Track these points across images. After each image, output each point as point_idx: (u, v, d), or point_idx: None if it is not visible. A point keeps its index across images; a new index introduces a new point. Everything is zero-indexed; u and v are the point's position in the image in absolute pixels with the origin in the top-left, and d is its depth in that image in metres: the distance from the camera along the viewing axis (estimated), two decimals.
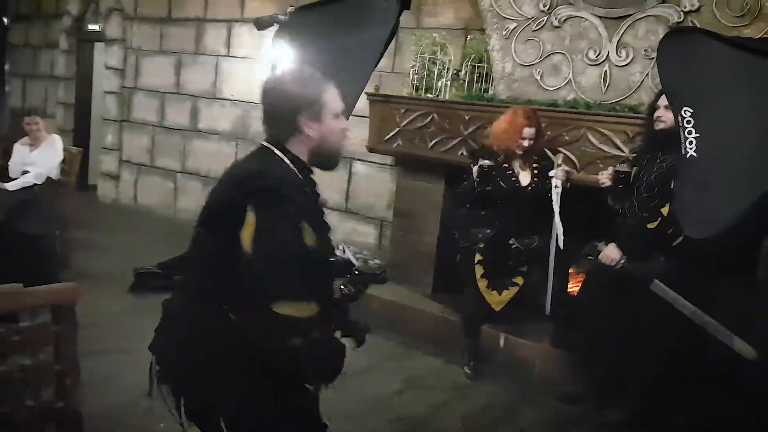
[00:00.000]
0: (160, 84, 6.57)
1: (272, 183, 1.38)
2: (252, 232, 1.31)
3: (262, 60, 5.66)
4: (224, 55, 6.07)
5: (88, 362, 1.65)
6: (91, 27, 7.29)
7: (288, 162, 1.48)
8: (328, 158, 1.57)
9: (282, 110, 1.49)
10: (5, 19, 7.84)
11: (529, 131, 3.25)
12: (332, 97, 1.52)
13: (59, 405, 1.46)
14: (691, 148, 1.99)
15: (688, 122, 1.99)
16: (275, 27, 2.89)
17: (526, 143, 3.27)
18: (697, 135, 1.98)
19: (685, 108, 1.99)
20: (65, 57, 7.44)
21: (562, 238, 3.21)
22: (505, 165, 3.35)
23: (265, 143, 1.52)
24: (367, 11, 2.48)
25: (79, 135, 7.44)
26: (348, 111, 3.20)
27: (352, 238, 5.05)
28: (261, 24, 2.89)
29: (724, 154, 1.94)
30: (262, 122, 1.54)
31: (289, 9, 2.80)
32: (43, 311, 1.47)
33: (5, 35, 7.88)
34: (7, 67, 7.92)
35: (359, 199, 5.14)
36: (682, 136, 2.03)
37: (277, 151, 1.49)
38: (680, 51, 2.08)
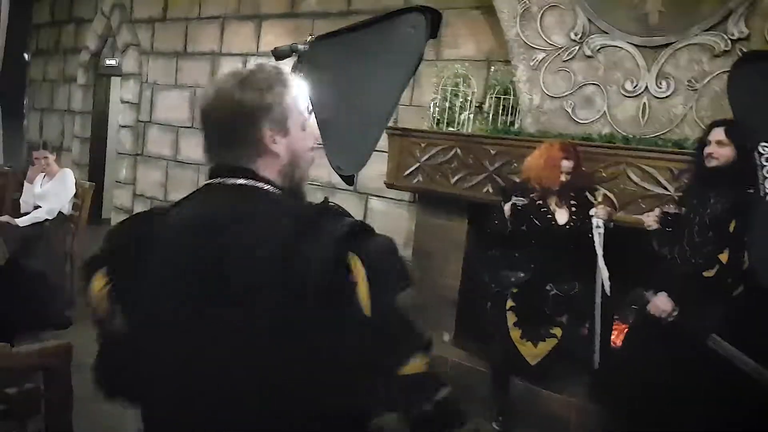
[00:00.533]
0: (175, 118, 6.39)
1: (359, 222, 1.01)
2: (367, 289, 0.93)
3: None
4: None
5: (91, 406, 1.36)
6: (108, 62, 7.19)
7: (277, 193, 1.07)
8: (297, 188, 1.12)
9: (238, 123, 1.06)
10: (26, 55, 7.80)
11: (567, 164, 2.95)
12: (296, 101, 1.09)
13: None
14: None
15: (767, 159, 1.69)
16: (294, 57, 2.63)
17: (563, 177, 2.96)
18: None
19: (763, 144, 1.69)
20: (82, 91, 7.32)
21: (608, 283, 2.87)
22: (540, 202, 3.04)
23: (231, 180, 1.06)
24: (393, 39, 2.23)
25: (94, 169, 7.30)
26: (373, 144, 2.95)
27: None
28: (279, 54, 2.65)
29: None
30: (205, 150, 1.11)
31: (309, 38, 2.55)
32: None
33: (26, 71, 7.83)
34: (26, 101, 7.85)
35: None
36: (760, 176, 1.73)
37: (258, 184, 1.05)
38: (754, 79, 1.79)
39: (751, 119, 1.80)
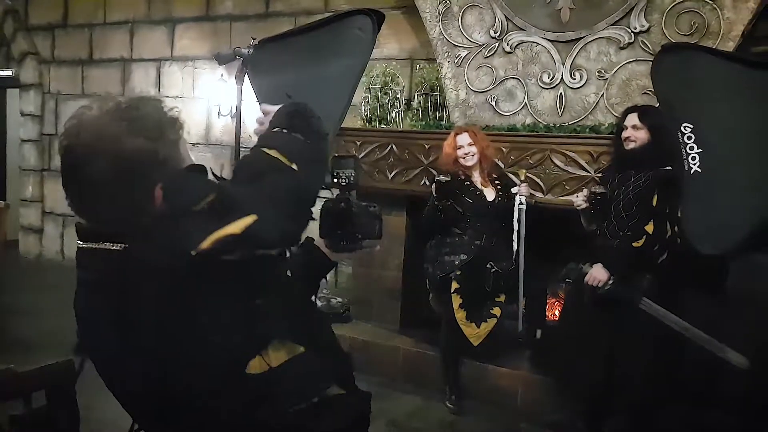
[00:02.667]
0: None
1: None
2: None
3: (199, 99, 5.34)
4: (154, 96, 5.63)
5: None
6: (2, 73, 6.64)
7: None
8: None
9: (124, 189, 0.88)
10: None
11: (462, 138, 3.21)
12: (186, 143, 1.02)
13: None
14: (694, 164, 1.90)
15: (689, 138, 1.90)
16: (237, 61, 2.59)
17: (465, 150, 3.19)
18: (700, 150, 1.89)
19: (684, 124, 1.90)
20: None
21: (523, 254, 3.12)
22: (466, 182, 3.23)
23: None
24: (342, 41, 2.26)
25: None
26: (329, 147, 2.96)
27: None
28: (222, 59, 2.60)
29: (729, 167, 1.86)
30: (74, 207, 0.93)
31: (253, 42, 2.52)
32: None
33: None
34: None
35: (313, 236, 4.83)
36: (684, 153, 1.94)
37: None
38: (675, 67, 2.01)
39: (673, 103, 2.01)
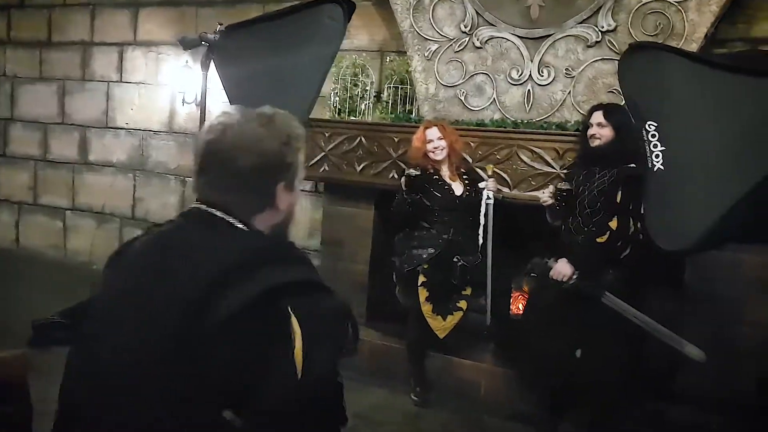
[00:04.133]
0: (42, 114, 5.81)
1: (311, 274, 0.98)
2: (301, 350, 0.88)
3: (162, 84, 5.20)
4: (116, 81, 5.47)
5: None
6: None
7: None
8: (282, 233, 1.10)
9: (258, 174, 1.01)
10: None
11: (432, 132, 3.20)
12: (303, 154, 1.10)
13: None
14: (657, 162, 1.93)
15: (653, 136, 1.93)
16: (202, 47, 2.53)
17: (435, 144, 3.19)
18: (663, 148, 1.92)
19: (649, 122, 1.93)
20: None
21: (490, 248, 3.14)
22: (435, 176, 3.23)
23: (220, 214, 1.01)
24: (312, 30, 2.22)
25: None
26: None
27: None
28: (187, 44, 2.52)
29: (691, 166, 1.89)
30: (208, 182, 1.03)
31: (219, 27, 2.45)
32: None
33: None
34: None
35: None
36: (648, 150, 1.97)
37: (242, 227, 1.01)
38: (641, 66, 2.03)
39: (638, 101, 2.04)
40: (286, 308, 0.89)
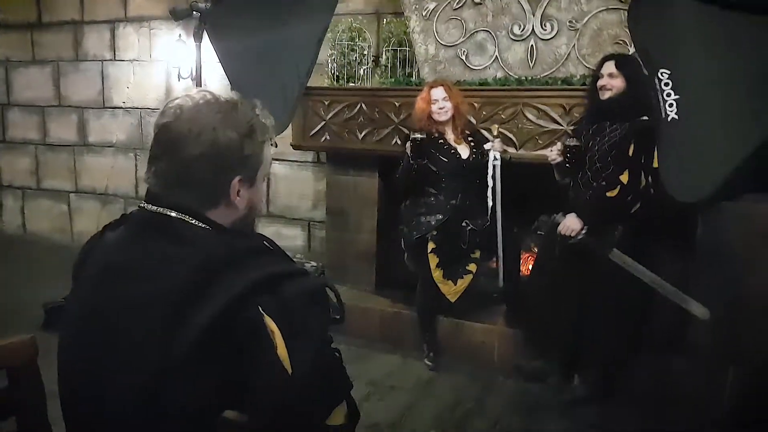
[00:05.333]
0: (38, 97, 5.71)
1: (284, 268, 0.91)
2: (284, 347, 0.85)
3: (157, 61, 5.08)
4: (110, 60, 5.36)
5: None
6: None
7: None
8: (245, 230, 1.03)
9: (208, 166, 0.93)
10: None
11: (437, 92, 3.10)
12: (269, 149, 1.01)
13: None
14: (671, 111, 1.84)
15: (666, 84, 1.84)
16: (194, 18, 2.42)
17: (440, 105, 3.09)
18: (677, 97, 1.83)
19: (662, 70, 1.83)
20: None
21: (500, 210, 3.08)
22: (436, 135, 3.14)
23: (171, 212, 0.93)
24: None
25: None
26: (292, 109, 2.80)
27: (278, 242, 4.62)
28: (178, 14, 2.42)
29: (706, 114, 1.80)
30: (156, 173, 0.95)
31: None
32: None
33: None
34: None
35: (281, 201, 4.72)
36: (661, 99, 1.88)
37: (198, 225, 0.94)
38: (651, 12, 1.92)
39: (650, 49, 1.94)
40: (258, 310, 0.85)
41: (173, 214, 0.93)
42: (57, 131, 5.69)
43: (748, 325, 2.76)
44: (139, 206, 0.97)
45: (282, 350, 0.85)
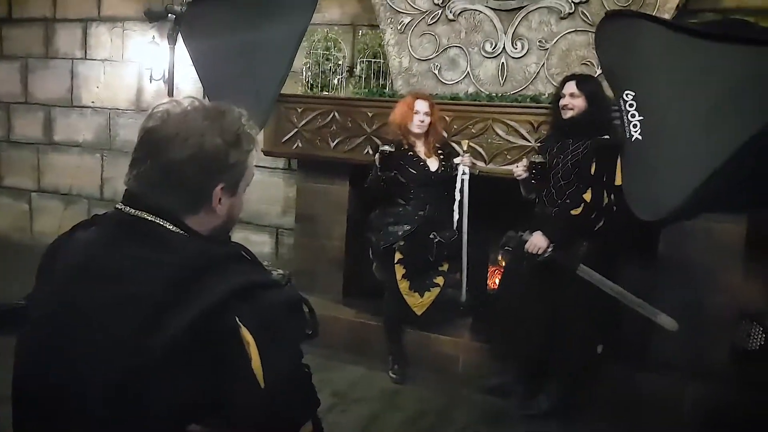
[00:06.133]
0: (4, 93, 5.55)
1: (258, 278, 0.90)
2: (259, 360, 0.83)
3: (130, 62, 5.00)
4: (80, 58, 5.24)
5: None
6: None
7: None
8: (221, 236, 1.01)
9: (193, 170, 0.92)
10: None
11: (421, 104, 3.11)
12: (253, 159, 1.00)
13: None
14: (635, 131, 1.89)
15: (631, 105, 1.89)
16: (168, 20, 2.39)
17: (420, 118, 3.10)
18: (641, 118, 1.88)
19: (627, 91, 1.88)
20: None
21: (466, 223, 3.09)
22: (406, 147, 3.16)
23: (150, 217, 0.91)
24: (281, 2, 2.09)
25: None
26: (266, 114, 2.77)
27: None
28: (152, 16, 2.39)
29: (668, 135, 1.86)
30: (138, 175, 0.93)
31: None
32: None
33: None
34: None
35: (250, 207, 4.65)
36: (625, 120, 1.92)
37: (175, 230, 0.92)
38: (618, 34, 1.98)
39: (615, 70, 1.99)
40: (235, 320, 0.83)
41: (151, 218, 0.91)
42: (22, 128, 5.53)
43: (709, 337, 2.83)
44: (115, 207, 0.95)
45: (256, 363, 0.83)
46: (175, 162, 0.91)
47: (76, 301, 0.87)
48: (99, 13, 5.10)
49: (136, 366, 0.80)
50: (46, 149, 5.46)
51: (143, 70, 4.81)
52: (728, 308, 2.88)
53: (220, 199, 0.95)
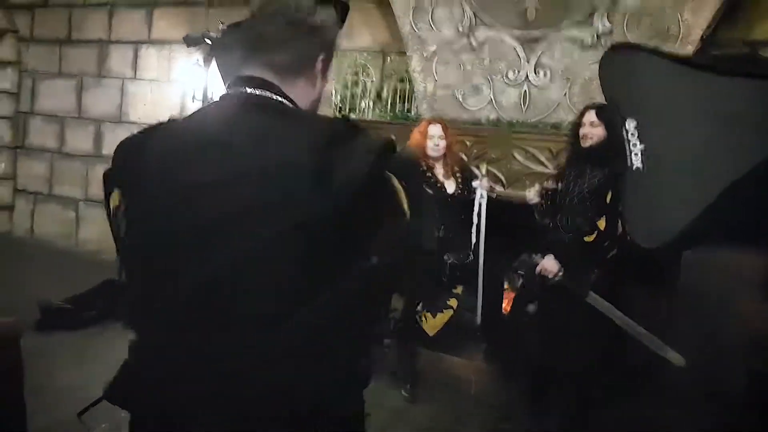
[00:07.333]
0: (60, 108, 5.88)
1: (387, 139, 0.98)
2: (406, 200, 0.93)
3: (173, 82, 5.23)
4: (130, 78, 5.52)
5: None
6: None
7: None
8: None
9: (310, 30, 0.98)
10: None
11: (434, 129, 3.14)
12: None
13: None
14: (636, 160, 1.87)
15: (632, 134, 1.88)
16: (204, 45, 2.52)
17: (435, 142, 3.13)
18: (643, 146, 1.86)
19: (628, 120, 1.88)
20: None
21: (482, 246, 3.08)
22: (428, 173, 3.19)
23: (256, 90, 0.96)
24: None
25: None
26: None
27: None
28: (191, 41, 2.52)
29: (670, 164, 1.84)
30: (255, 37, 0.98)
31: (221, 26, 2.45)
32: None
33: None
34: None
35: None
36: (627, 149, 1.91)
37: (284, 102, 0.96)
38: (622, 65, 1.98)
39: (618, 99, 1.99)
40: (387, 173, 0.92)
41: (267, 94, 0.96)
42: (74, 141, 5.83)
43: (722, 369, 2.73)
44: (226, 92, 1.00)
45: (406, 206, 0.92)
46: (298, 17, 0.97)
47: (216, 171, 0.89)
48: (149, 36, 5.37)
49: (305, 217, 0.84)
50: (95, 161, 5.73)
51: (186, 91, 5.02)
52: (743, 340, 2.77)
53: (317, 75, 1.01)
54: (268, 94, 0.96)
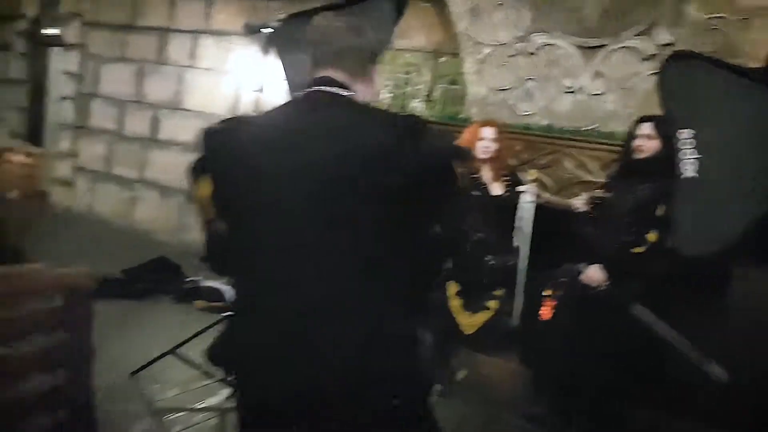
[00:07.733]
0: (120, 92, 6.10)
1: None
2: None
3: (229, 72, 5.36)
4: (188, 66, 5.68)
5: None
6: (48, 31, 6.73)
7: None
8: None
9: (360, 43, 1.20)
10: None
11: (487, 131, 3.12)
12: None
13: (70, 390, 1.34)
14: (689, 170, 1.86)
15: (688, 143, 1.86)
16: (264, 34, 2.59)
17: (486, 144, 3.12)
18: (700, 156, 1.85)
19: (680, 130, 1.86)
20: (19, 61, 6.84)
21: (526, 250, 3.06)
22: (474, 174, 3.20)
23: (328, 87, 1.17)
24: (367, 22, 2.23)
25: (32, 140, 6.82)
26: None
27: None
28: (250, 30, 2.59)
29: (723, 174, 1.82)
30: (323, 57, 1.20)
31: (281, 16, 2.51)
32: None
33: None
34: None
35: None
36: (677, 158, 1.90)
37: (352, 98, 1.18)
38: (680, 75, 1.96)
39: (673, 108, 1.98)
40: (450, 160, 1.15)
41: (338, 91, 1.15)
42: (132, 124, 6.04)
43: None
44: (299, 93, 1.21)
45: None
46: (351, 47, 1.16)
47: (305, 155, 1.09)
48: (208, 25, 5.51)
49: (390, 189, 1.05)
50: (151, 145, 5.93)
51: (242, 81, 5.14)
52: None
53: (373, 79, 1.21)
54: (337, 90, 1.14)
